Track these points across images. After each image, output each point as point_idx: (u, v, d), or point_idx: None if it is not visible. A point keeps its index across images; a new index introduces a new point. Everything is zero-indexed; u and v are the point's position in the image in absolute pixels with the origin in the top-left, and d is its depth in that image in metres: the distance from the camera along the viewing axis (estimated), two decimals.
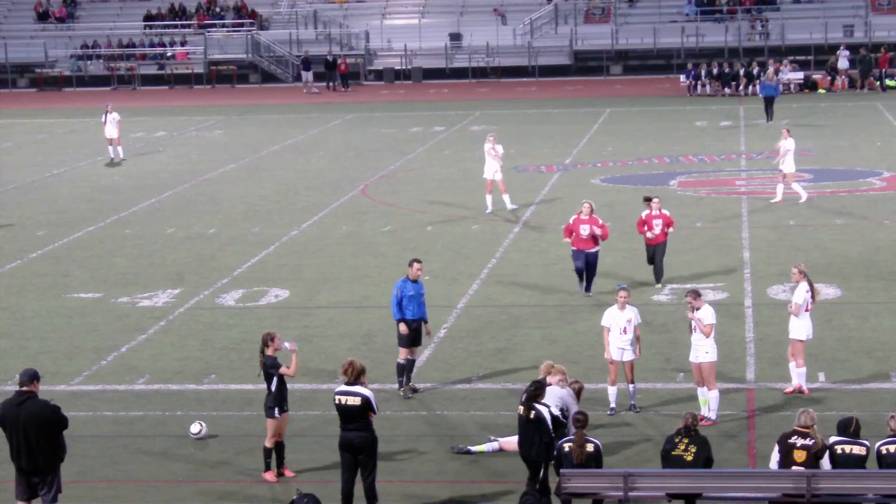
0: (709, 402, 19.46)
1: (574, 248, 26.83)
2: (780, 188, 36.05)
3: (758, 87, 58.08)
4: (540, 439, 16.38)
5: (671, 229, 27.62)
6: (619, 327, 20.04)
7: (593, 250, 26.85)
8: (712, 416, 19.39)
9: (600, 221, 26.85)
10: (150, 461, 18.71)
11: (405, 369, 21.22)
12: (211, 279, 29.28)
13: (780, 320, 23.68)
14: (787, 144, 35.76)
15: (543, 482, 16.36)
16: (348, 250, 31.86)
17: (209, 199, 39.67)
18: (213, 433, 19.53)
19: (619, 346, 20.06)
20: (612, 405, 20.00)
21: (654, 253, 27.50)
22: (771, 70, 55.94)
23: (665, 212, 27.53)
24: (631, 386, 20.08)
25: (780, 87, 61.12)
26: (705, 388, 19.52)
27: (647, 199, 27.96)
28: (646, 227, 27.41)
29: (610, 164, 43.89)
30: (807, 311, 20.70)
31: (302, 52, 75.71)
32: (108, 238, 34.26)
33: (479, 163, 44.97)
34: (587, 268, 26.96)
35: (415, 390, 21.28)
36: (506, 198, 35.66)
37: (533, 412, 16.54)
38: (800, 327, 20.65)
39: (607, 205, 36.45)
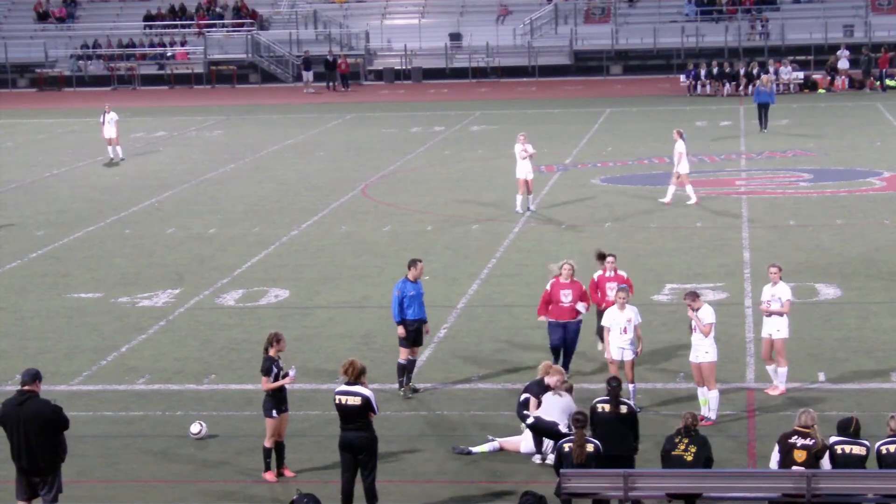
0: (709, 402, 19.47)
1: (550, 319, 21.45)
2: (671, 189, 36.14)
3: (752, 94, 55.52)
4: (631, 433, 16.64)
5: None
6: (619, 327, 20.04)
7: (576, 321, 21.39)
8: (712, 416, 19.40)
9: (584, 287, 21.59)
10: (150, 461, 18.71)
11: (405, 369, 21.22)
12: (211, 279, 29.28)
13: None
14: (679, 147, 35.77)
15: None
16: (348, 250, 31.86)
17: (209, 199, 39.66)
18: (213, 433, 19.53)
19: (619, 346, 20.06)
20: None
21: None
22: (765, 77, 54.12)
23: (622, 273, 22.29)
24: (631, 386, 20.08)
25: (776, 93, 61.07)
26: (705, 388, 19.53)
27: (601, 257, 22.43)
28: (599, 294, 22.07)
29: (610, 164, 43.88)
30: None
31: (302, 52, 75.72)
32: (108, 238, 34.26)
33: (478, 162, 45.07)
34: (566, 343, 21.40)
35: (415, 390, 21.27)
36: (527, 198, 35.52)
37: (625, 407, 16.81)
38: (786, 327, 20.67)
39: (607, 205, 36.49)
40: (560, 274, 21.40)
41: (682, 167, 35.83)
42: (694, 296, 19.70)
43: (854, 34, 73.48)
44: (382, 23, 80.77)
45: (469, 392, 21.32)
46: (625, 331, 20.00)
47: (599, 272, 22.01)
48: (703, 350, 19.51)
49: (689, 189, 36.08)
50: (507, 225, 34.22)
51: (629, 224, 33.81)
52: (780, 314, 20.62)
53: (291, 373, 17.80)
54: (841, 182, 39.15)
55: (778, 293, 20.75)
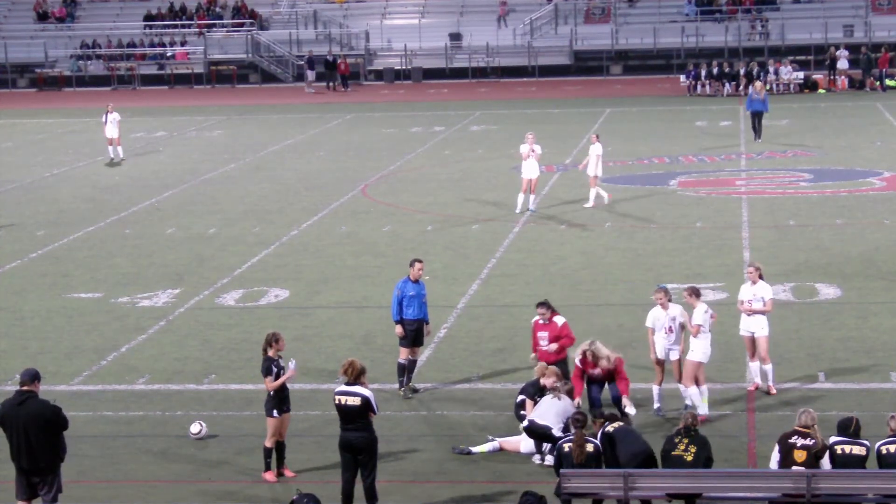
0: (690, 398, 19.44)
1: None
2: (592, 192, 36.08)
3: (744, 102, 51.64)
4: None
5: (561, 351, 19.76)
6: (663, 327, 19.89)
7: (601, 382, 19.29)
8: (703, 410, 19.33)
9: (620, 360, 19.29)
10: (150, 461, 18.71)
11: (406, 369, 21.21)
12: (211, 279, 29.28)
13: (780, 320, 23.73)
14: (597, 149, 35.63)
15: None
16: (348, 250, 31.86)
17: (209, 199, 39.67)
18: (213, 433, 19.53)
19: (664, 346, 19.91)
20: (657, 405, 19.88)
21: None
22: (758, 84, 50.70)
23: (557, 319, 19.95)
24: (682, 388, 19.80)
25: (776, 93, 61.18)
26: (704, 387, 19.55)
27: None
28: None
29: (610, 164, 43.82)
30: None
31: (304, 51, 75.75)
32: (108, 238, 34.26)
33: (478, 162, 45.08)
34: (606, 390, 19.26)
35: (415, 390, 21.27)
36: (528, 198, 35.51)
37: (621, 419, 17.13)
38: (767, 324, 20.70)
39: (607, 205, 36.47)
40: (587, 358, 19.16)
41: (598, 170, 35.71)
42: (693, 291, 19.69)
43: (854, 34, 73.50)
44: (382, 23, 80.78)
45: (469, 392, 21.32)
46: (669, 330, 19.83)
47: (537, 317, 20.11)
48: (689, 349, 19.55)
49: (598, 190, 36.01)
50: (507, 225, 34.22)
51: (629, 224, 33.82)
52: (763, 313, 20.67)
53: (291, 365, 17.78)
54: (841, 182, 39.15)
55: (759, 292, 20.79)
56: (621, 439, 16.14)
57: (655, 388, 19.95)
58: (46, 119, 63.33)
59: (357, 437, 16.44)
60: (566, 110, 60.03)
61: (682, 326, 19.83)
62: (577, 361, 19.18)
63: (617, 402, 19.04)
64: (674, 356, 19.94)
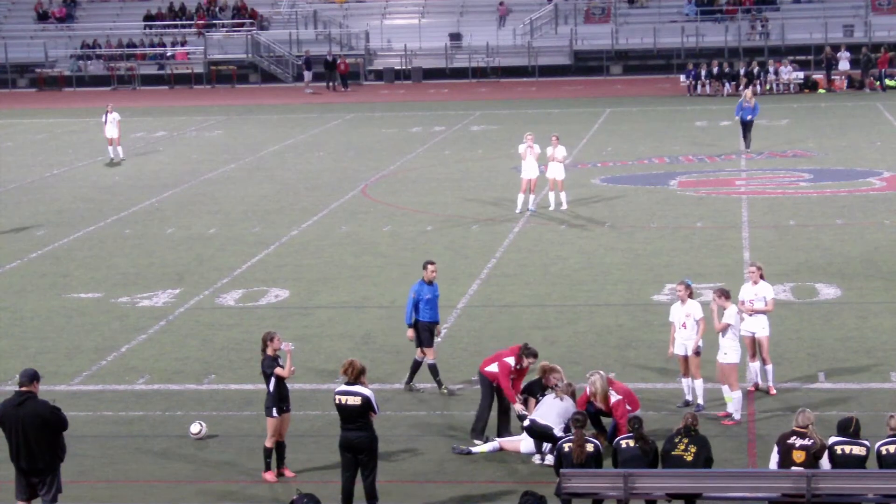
0: (732, 400, 19.43)
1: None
2: (563, 196, 35.72)
3: (735, 110, 46.78)
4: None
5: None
6: (679, 322, 19.92)
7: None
8: (736, 416, 19.35)
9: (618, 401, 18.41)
10: (150, 461, 18.71)
11: (433, 369, 21.05)
12: (211, 279, 29.28)
13: (780, 320, 23.72)
14: (561, 152, 35.29)
15: None
16: (348, 250, 31.85)
17: (209, 199, 39.67)
18: (213, 433, 19.53)
19: (681, 342, 19.90)
20: (688, 397, 19.98)
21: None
22: (748, 91, 47.63)
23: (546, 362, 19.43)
24: (696, 381, 19.88)
25: (777, 92, 61.05)
26: (726, 386, 19.51)
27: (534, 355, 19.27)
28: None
29: (610, 164, 43.88)
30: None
31: (302, 51, 75.76)
32: (108, 238, 34.26)
33: (478, 162, 45.07)
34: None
35: (412, 390, 21.26)
36: (528, 198, 35.47)
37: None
38: (768, 324, 20.71)
39: (607, 205, 36.49)
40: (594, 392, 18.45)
41: (559, 172, 35.29)
42: (722, 292, 19.65)
43: (854, 34, 73.53)
44: (382, 23, 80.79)
45: (469, 392, 21.30)
46: (684, 326, 19.82)
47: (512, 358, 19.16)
48: (721, 351, 19.49)
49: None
50: (507, 225, 34.21)
51: (629, 224, 33.82)
52: (765, 313, 20.66)
53: (283, 345, 17.75)
54: (841, 182, 39.14)
55: (761, 292, 20.78)
56: (623, 460, 15.99)
57: (684, 381, 20.00)
58: (46, 119, 63.33)
59: (357, 437, 16.44)
60: (566, 110, 60.03)
61: (698, 324, 19.83)
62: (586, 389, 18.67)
63: (613, 436, 17.85)
64: (681, 351, 19.92)
